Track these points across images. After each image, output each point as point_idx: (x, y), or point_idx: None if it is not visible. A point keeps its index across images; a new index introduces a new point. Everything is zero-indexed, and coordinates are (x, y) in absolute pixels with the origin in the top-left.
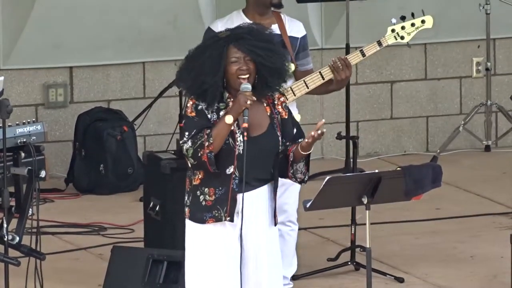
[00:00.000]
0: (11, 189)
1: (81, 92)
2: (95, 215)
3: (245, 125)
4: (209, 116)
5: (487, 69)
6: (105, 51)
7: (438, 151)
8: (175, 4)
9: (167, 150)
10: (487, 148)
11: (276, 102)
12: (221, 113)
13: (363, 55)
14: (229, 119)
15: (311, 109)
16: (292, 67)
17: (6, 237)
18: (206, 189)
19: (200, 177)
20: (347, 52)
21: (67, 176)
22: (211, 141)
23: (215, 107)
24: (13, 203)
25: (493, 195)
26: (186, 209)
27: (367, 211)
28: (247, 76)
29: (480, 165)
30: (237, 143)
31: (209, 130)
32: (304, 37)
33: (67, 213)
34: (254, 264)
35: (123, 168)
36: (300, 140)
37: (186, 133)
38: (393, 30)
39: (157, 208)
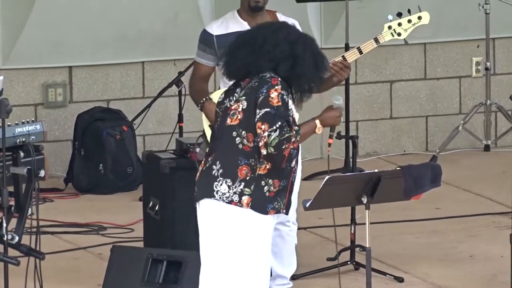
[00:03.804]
0: (11, 188)
1: (80, 92)
2: (95, 215)
3: (331, 141)
4: (290, 106)
5: (486, 69)
6: (104, 51)
7: (438, 150)
8: (174, 4)
9: (167, 149)
10: (487, 148)
11: None
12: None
13: (360, 52)
14: (319, 130)
15: (311, 108)
16: None
17: (5, 236)
18: (270, 180)
19: (268, 167)
20: None
21: (67, 175)
22: (298, 139)
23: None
24: (12, 202)
25: (492, 195)
26: (245, 198)
27: (367, 211)
28: None
29: (480, 165)
30: None
31: (297, 127)
32: None
33: (67, 213)
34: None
35: (122, 167)
36: None
37: (279, 123)
38: (389, 27)
39: (156, 208)
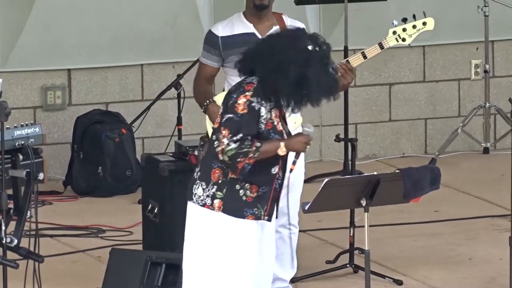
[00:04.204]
0: (9, 191)
1: (79, 95)
2: (94, 218)
3: (293, 167)
4: (262, 114)
5: (485, 71)
6: (103, 54)
7: (437, 153)
8: (173, 6)
9: (166, 152)
10: (486, 150)
11: None
12: (272, 113)
13: (365, 57)
14: (282, 152)
15: (310, 111)
16: None
17: (4, 239)
18: (247, 184)
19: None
20: (346, 55)
21: (66, 178)
22: (256, 156)
23: (270, 107)
24: (11, 205)
25: (491, 197)
26: (217, 201)
27: (366, 213)
28: None
29: (479, 168)
30: None
31: (259, 144)
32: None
33: (66, 216)
34: (268, 258)
35: (121, 170)
36: None
37: (240, 135)
38: (394, 32)
39: (155, 211)
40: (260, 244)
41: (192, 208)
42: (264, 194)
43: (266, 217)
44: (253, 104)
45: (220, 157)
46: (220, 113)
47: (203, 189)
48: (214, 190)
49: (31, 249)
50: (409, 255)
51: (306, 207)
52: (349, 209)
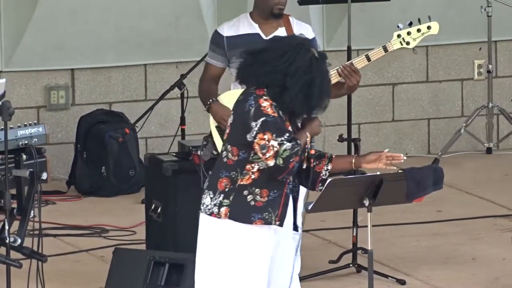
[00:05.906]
0: (13, 191)
1: (82, 94)
2: (97, 217)
3: (313, 151)
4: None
5: (488, 72)
6: (106, 54)
7: (440, 153)
8: (177, 6)
9: (169, 152)
10: (489, 151)
11: None
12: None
13: (369, 59)
14: (308, 140)
15: None
16: None
17: (8, 239)
18: (257, 189)
19: (253, 177)
20: (349, 55)
21: (69, 178)
22: (300, 153)
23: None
24: (14, 205)
25: (494, 198)
26: (223, 209)
27: (369, 213)
28: None
29: (482, 168)
30: None
31: (298, 141)
32: (311, 40)
33: (69, 215)
34: (279, 265)
35: (124, 170)
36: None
37: (287, 134)
38: (399, 36)
39: (158, 210)
40: (273, 250)
41: (201, 218)
42: (275, 199)
43: (277, 222)
44: (277, 108)
45: (272, 162)
46: (230, 122)
47: (211, 198)
48: (221, 198)
49: (35, 248)
50: (412, 255)
51: (309, 207)
52: (352, 209)
